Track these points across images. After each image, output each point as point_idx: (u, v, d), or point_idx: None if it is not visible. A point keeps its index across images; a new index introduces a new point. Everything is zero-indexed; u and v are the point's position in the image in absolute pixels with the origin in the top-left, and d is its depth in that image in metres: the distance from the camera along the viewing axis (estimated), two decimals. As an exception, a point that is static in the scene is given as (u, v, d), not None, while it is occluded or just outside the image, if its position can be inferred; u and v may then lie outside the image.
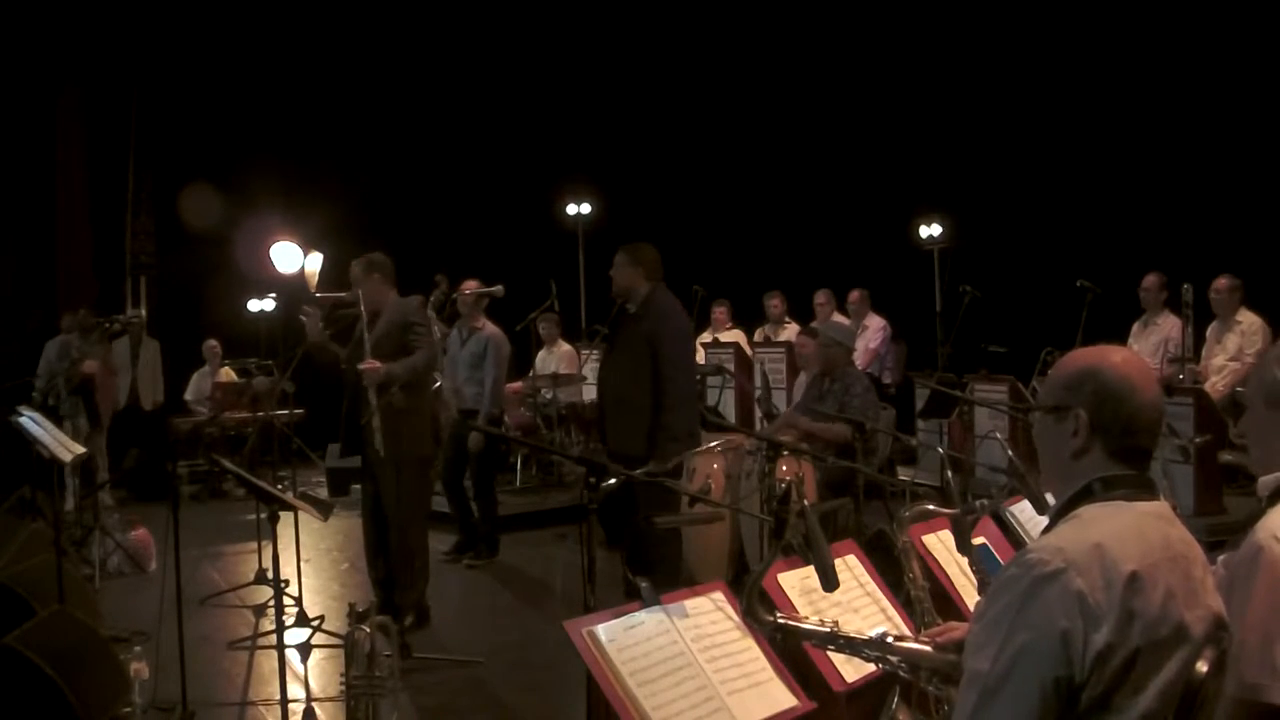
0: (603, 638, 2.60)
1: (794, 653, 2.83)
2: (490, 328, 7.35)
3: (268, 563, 5.82)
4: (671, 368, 5.08)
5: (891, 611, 3.09)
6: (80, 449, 5.82)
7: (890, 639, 2.32)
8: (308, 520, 5.97)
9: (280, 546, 4.31)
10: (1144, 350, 7.87)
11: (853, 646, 2.37)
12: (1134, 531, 1.76)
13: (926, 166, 11.81)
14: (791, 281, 10.59)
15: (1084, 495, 1.85)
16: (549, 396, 9.15)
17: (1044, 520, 2.04)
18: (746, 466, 5.94)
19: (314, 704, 4.56)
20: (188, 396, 10.85)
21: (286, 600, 5.45)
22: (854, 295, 10.04)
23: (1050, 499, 2.48)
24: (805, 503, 2.57)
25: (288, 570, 5.89)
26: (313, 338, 5.57)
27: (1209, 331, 7.79)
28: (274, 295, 11.66)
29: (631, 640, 2.64)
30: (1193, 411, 6.44)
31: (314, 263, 10.26)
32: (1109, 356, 1.90)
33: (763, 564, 2.68)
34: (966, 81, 11.45)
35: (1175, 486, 6.19)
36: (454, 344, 7.35)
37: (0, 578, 4.75)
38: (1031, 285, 10.27)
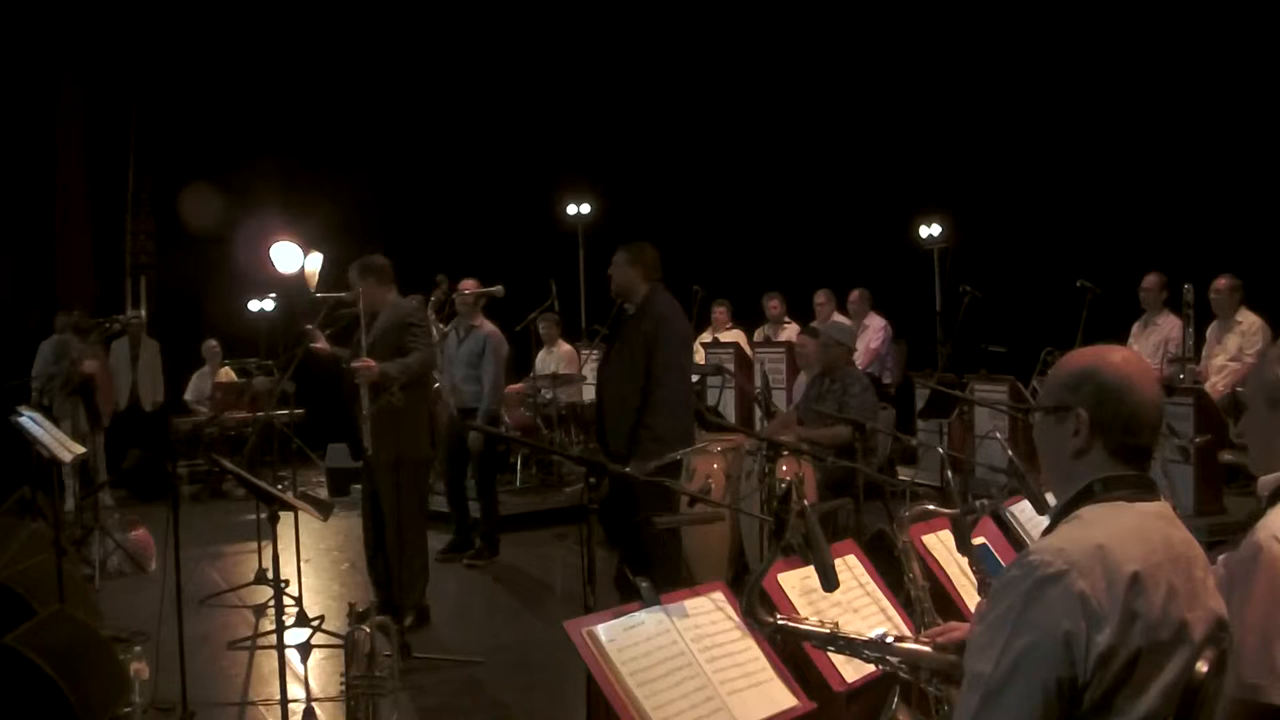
0: (603, 638, 2.60)
1: (794, 653, 2.83)
2: (488, 326, 7.35)
3: (268, 563, 5.82)
4: (664, 370, 5.07)
5: (891, 611, 3.09)
6: (80, 449, 5.81)
7: (890, 639, 2.32)
8: (308, 520, 5.97)
9: (280, 546, 4.31)
10: (1144, 350, 7.87)
11: (852, 647, 2.37)
12: (1135, 532, 1.76)
13: (926, 166, 11.81)
14: (791, 281, 10.59)
15: (1085, 496, 1.85)
16: (549, 396, 9.15)
17: (1044, 520, 2.04)
18: (746, 466, 5.94)
19: (314, 704, 4.56)
20: (188, 396, 10.85)
21: (286, 600, 5.45)
22: (854, 295, 10.04)
23: (1051, 499, 2.49)
24: (805, 503, 2.56)
25: (288, 570, 5.89)
26: (325, 354, 5.58)
27: (1209, 331, 7.79)
28: (274, 295, 11.66)
29: (631, 640, 2.64)
30: (1193, 411, 6.44)
31: (314, 263, 10.27)
32: (1109, 356, 1.90)
33: (763, 564, 2.68)
34: (966, 81, 11.45)
35: (1175, 486, 6.19)
36: (451, 343, 7.35)
37: (0, 578, 4.75)
38: (1031, 285, 10.27)
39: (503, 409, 8.79)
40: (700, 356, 9.73)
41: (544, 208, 13.41)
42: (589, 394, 8.58)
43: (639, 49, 12.85)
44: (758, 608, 2.46)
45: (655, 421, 5.01)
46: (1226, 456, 6.26)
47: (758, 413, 8.06)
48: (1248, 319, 7.57)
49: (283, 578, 4.99)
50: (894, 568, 2.87)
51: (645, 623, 2.71)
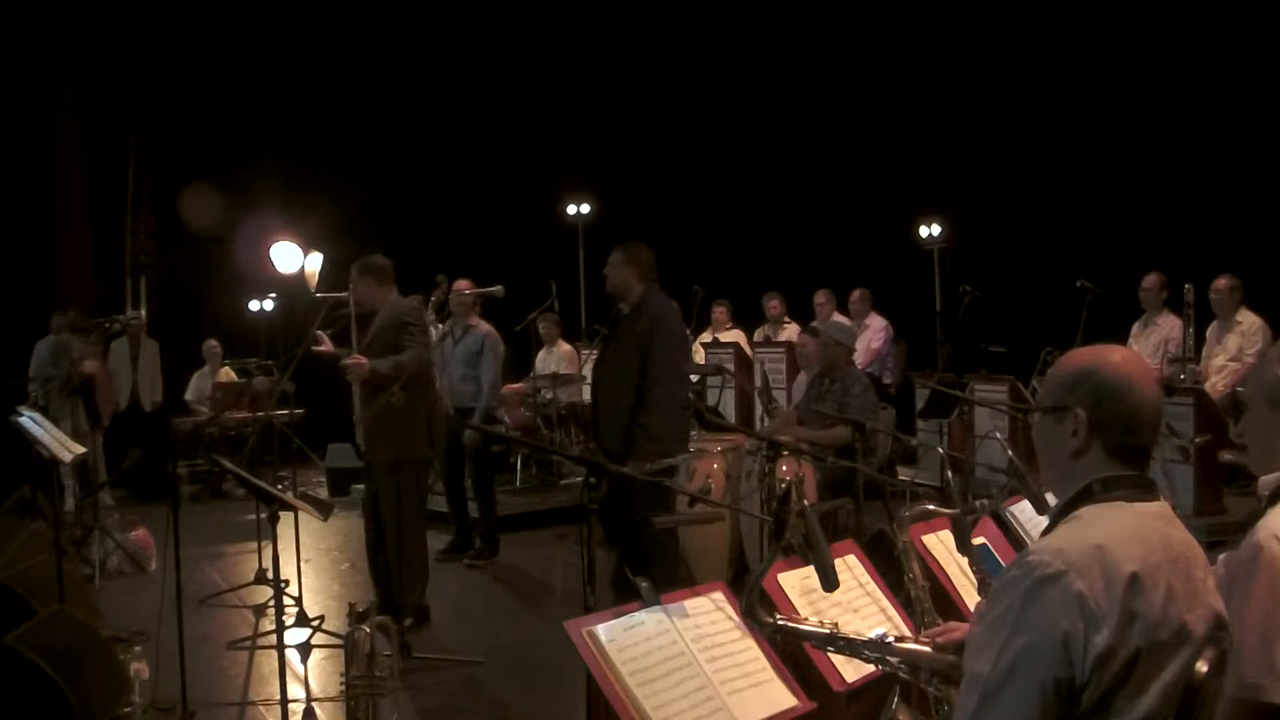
0: (603, 638, 2.60)
1: (794, 653, 2.83)
2: (485, 326, 7.35)
3: (268, 563, 5.82)
4: (658, 369, 5.08)
5: (891, 611, 3.09)
6: (80, 448, 5.81)
7: (890, 640, 2.32)
8: (308, 520, 5.97)
9: (280, 546, 4.31)
10: (1144, 350, 7.87)
11: (852, 648, 2.37)
12: (1134, 532, 1.76)
13: (926, 167, 11.81)
14: (791, 281, 10.59)
15: (1084, 496, 1.85)
16: (549, 396, 9.14)
17: (1044, 520, 2.04)
18: (746, 466, 5.94)
19: (314, 704, 4.55)
20: (188, 396, 10.85)
21: (286, 600, 5.45)
22: (855, 295, 10.03)
23: (1051, 499, 2.49)
24: (805, 503, 2.57)
25: (288, 570, 5.89)
26: (328, 355, 5.59)
27: (1209, 331, 7.79)
28: (274, 295, 11.67)
29: (631, 640, 2.65)
30: (1193, 411, 6.44)
31: (314, 263, 10.27)
32: (1107, 356, 1.89)
33: (763, 564, 2.68)
34: (966, 82, 11.45)
35: (1175, 486, 6.19)
36: (447, 343, 7.35)
37: (0, 578, 4.75)
38: (1031, 285, 10.27)
39: (502, 409, 8.79)
40: (700, 356, 9.74)
41: (544, 208, 13.42)
42: (589, 394, 8.57)
43: (639, 49, 12.86)
44: (758, 608, 2.46)
45: (650, 421, 5.02)
46: (1226, 456, 6.26)
47: (758, 411, 8.06)
48: (1248, 319, 7.57)
49: (283, 578, 4.99)
50: (894, 568, 2.87)
51: (645, 623, 2.71)
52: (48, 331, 9.28)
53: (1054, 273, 9.35)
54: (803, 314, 10.12)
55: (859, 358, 8.54)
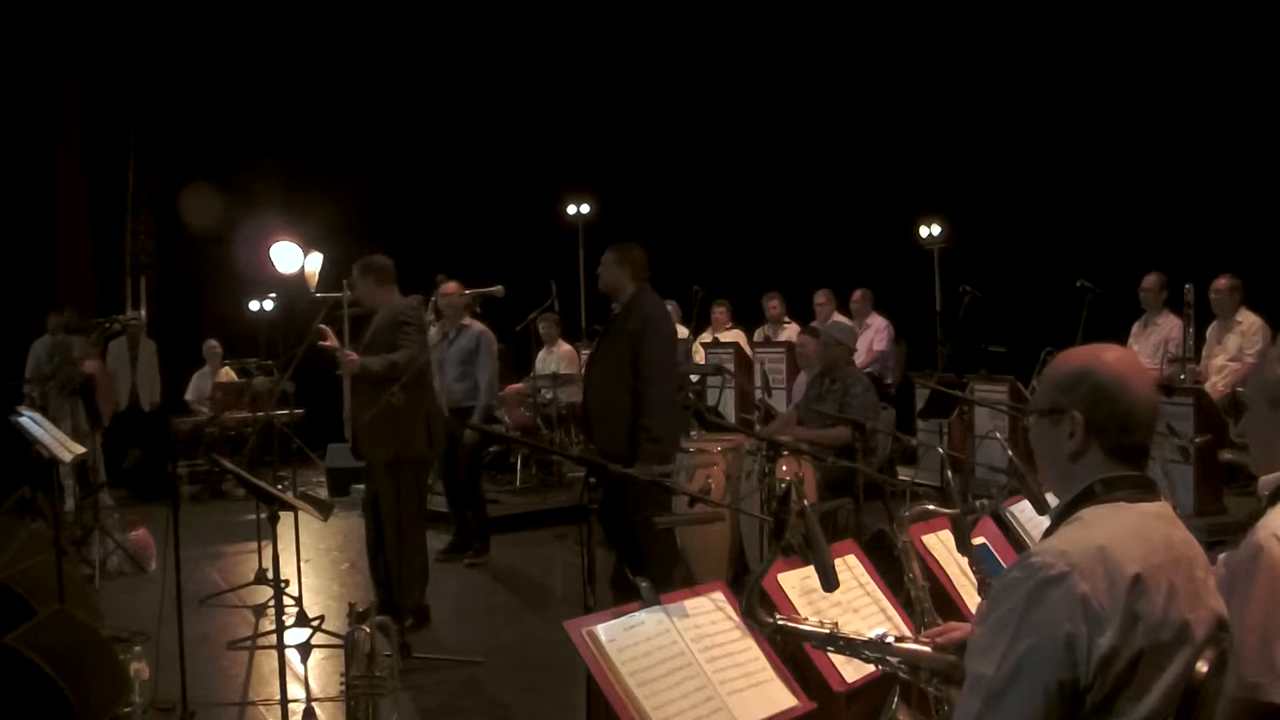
0: (603, 638, 2.60)
1: (794, 653, 2.83)
2: (478, 325, 7.35)
3: (268, 563, 5.82)
4: (652, 369, 5.10)
5: (891, 611, 3.09)
6: (80, 448, 5.81)
7: (890, 640, 2.31)
8: (308, 520, 5.97)
9: (280, 546, 4.30)
10: (1144, 350, 7.88)
11: (852, 648, 2.37)
12: (1136, 533, 1.76)
13: (926, 167, 11.81)
14: (791, 281, 10.59)
15: (1086, 497, 1.84)
16: (549, 396, 9.15)
17: (1044, 520, 2.04)
18: (746, 466, 5.94)
19: (314, 704, 4.55)
20: (188, 396, 10.85)
21: (286, 600, 5.45)
22: (857, 295, 10.03)
23: (1051, 499, 2.49)
24: (805, 503, 2.56)
25: (288, 570, 5.89)
26: (333, 349, 5.60)
27: (1209, 331, 7.79)
28: (274, 295, 11.67)
29: (631, 640, 2.64)
30: (1193, 411, 6.43)
31: (314, 263, 10.27)
32: (1101, 356, 1.89)
33: (763, 564, 2.67)
34: (966, 82, 11.45)
35: (1175, 486, 6.19)
36: (441, 344, 7.34)
37: (0, 578, 4.75)
38: (1031, 285, 10.27)
39: (501, 408, 8.80)
40: (700, 356, 9.74)
41: (544, 208, 13.42)
42: (587, 394, 8.57)
43: (639, 50, 12.86)
44: (757, 608, 2.46)
45: (651, 422, 5.03)
46: (1227, 455, 6.26)
47: (757, 413, 8.06)
48: (1248, 319, 7.57)
49: (283, 578, 4.99)
50: (894, 568, 2.87)
51: (645, 623, 2.71)
52: (42, 332, 9.28)
53: (1054, 273, 9.35)
54: (803, 314, 10.12)
55: (860, 358, 8.54)
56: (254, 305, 12.13)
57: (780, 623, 2.46)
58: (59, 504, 5.95)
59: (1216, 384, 7.42)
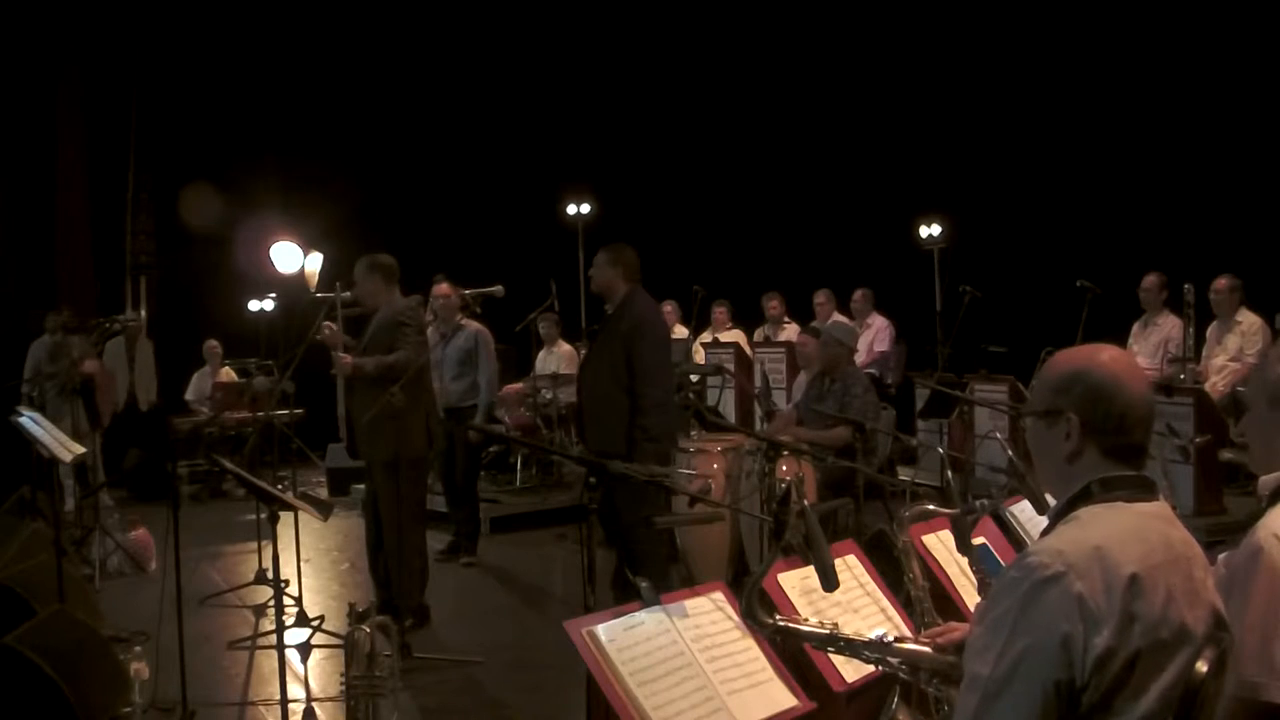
0: (603, 638, 2.60)
1: (794, 653, 2.83)
2: (474, 324, 7.35)
3: (268, 563, 5.82)
4: (647, 369, 5.13)
5: (891, 611, 3.09)
6: (80, 448, 5.81)
7: (890, 640, 2.31)
8: (308, 520, 5.97)
9: (280, 546, 4.30)
10: (1144, 350, 7.88)
11: (852, 648, 2.37)
12: (1134, 533, 1.76)
13: (926, 167, 11.81)
14: (791, 281, 10.59)
15: (1084, 496, 1.84)
16: (549, 396, 9.14)
17: (1044, 520, 2.04)
18: (746, 466, 5.94)
19: (314, 704, 4.55)
20: (188, 396, 10.85)
21: (286, 600, 5.45)
22: (858, 295, 10.04)
23: (1051, 499, 2.49)
24: (805, 503, 2.56)
25: (288, 570, 5.89)
26: (336, 344, 5.61)
27: (1209, 331, 7.79)
28: (274, 295, 11.67)
29: (631, 640, 2.64)
30: (1193, 411, 6.43)
31: (314, 263, 10.27)
32: (1096, 356, 1.88)
33: (763, 564, 2.67)
34: (966, 82, 11.45)
35: (1175, 486, 6.19)
36: (439, 345, 7.33)
37: (0, 578, 4.75)
38: (1031, 285, 10.27)
39: (501, 408, 8.79)
40: (700, 356, 9.74)
41: (544, 208, 13.41)
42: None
43: (638, 50, 12.86)
44: (757, 609, 2.45)
45: (648, 422, 5.06)
46: (1227, 455, 6.26)
47: (758, 412, 8.06)
48: (1248, 319, 7.57)
49: (283, 578, 4.99)
50: (894, 568, 2.87)
51: (645, 623, 2.71)
52: (41, 332, 9.29)
53: (1054, 273, 9.35)
54: (803, 314, 10.12)
55: (861, 357, 8.54)
56: (254, 305, 12.13)
57: (780, 623, 2.46)
58: (59, 504, 5.95)
59: (1216, 384, 7.42)
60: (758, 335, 10.35)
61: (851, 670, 2.80)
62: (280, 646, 4.24)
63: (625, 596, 3.78)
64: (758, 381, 8.29)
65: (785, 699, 2.74)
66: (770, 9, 12.67)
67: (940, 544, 3.32)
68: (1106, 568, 1.68)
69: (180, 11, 11.87)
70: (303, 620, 5.66)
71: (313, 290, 8.82)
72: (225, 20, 11.94)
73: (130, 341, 10.26)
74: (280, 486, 5.93)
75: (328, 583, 6.87)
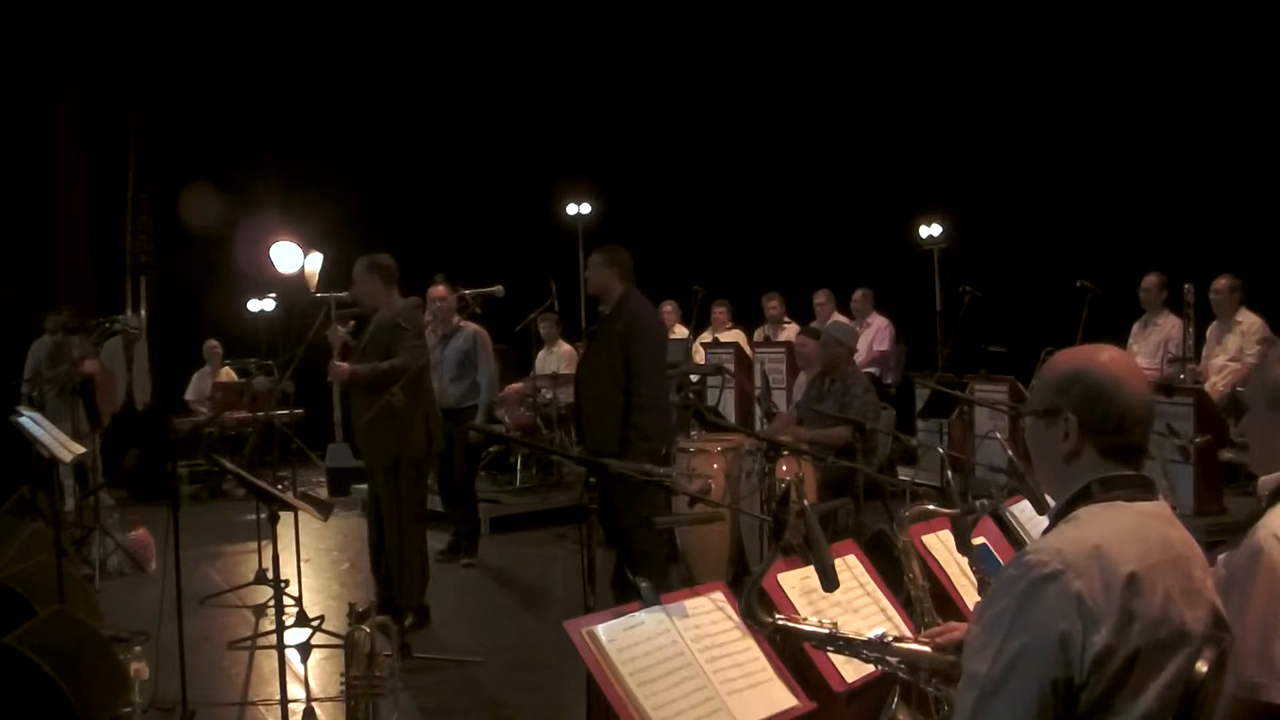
0: (603, 638, 2.60)
1: (794, 653, 2.83)
2: (472, 325, 7.35)
3: (268, 563, 5.82)
4: (642, 369, 5.15)
5: (891, 611, 3.09)
6: (80, 449, 5.81)
7: (890, 640, 2.31)
8: (308, 520, 5.97)
9: (280, 546, 4.30)
10: (1144, 350, 7.88)
11: (852, 647, 2.37)
12: (1133, 532, 1.76)
13: (926, 166, 11.81)
14: (791, 281, 10.59)
15: (1083, 496, 1.84)
16: (549, 396, 9.14)
17: (1044, 520, 2.04)
18: (746, 466, 5.95)
19: (314, 704, 4.55)
20: (188, 396, 10.85)
21: (286, 600, 5.45)
22: (858, 295, 10.03)
23: (1050, 499, 2.49)
24: (805, 503, 2.57)
25: (288, 570, 5.89)
26: (338, 342, 5.62)
27: (1209, 331, 7.79)
28: (274, 295, 11.68)
29: (631, 640, 2.64)
30: (1193, 411, 6.43)
31: (314, 263, 10.28)
32: (1094, 356, 1.89)
33: (763, 564, 2.68)
34: (966, 81, 11.45)
35: (1175, 486, 6.19)
36: (437, 346, 7.33)
37: (0, 578, 4.75)
38: (1031, 285, 10.27)
39: (501, 408, 8.79)
40: (700, 356, 9.73)
41: (544, 208, 13.41)
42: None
43: (638, 49, 12.86)
44: (757, 608, 2.46)
45: (642, 421, 5.07)
46: (1227, 455, 6.26)
47: (758, 412, 8.06)
48: (1248, 319, 7.57)
49: (283, 578, 4.99)
50: (894, 568, 2.87)
51: (645, 623, 2.71)
52: (40, 332, 9.29)
53: (1054, 273, 9.34)
54: (803, 314, 10.12)
55: (861, 357, 8.54)
56: (254, 305, 12.13)
57: (780, 623, 2.46)
58: (59, 504, 5.95)
59: (1216, 384, 7.42)
60: (758, 335, 10.35)
61: (851, 670, 2.81)
62: (280, 646, 4.24)
63: (625, 596, 3.78)
64: (758, 382, 8.29)
65: (785, 699, 2.74)
66: (770, 9, 12.67)
67: (940, 544, 3.32)
68: (1105, 566, 1.68)
69: (180, 12, 11.86)
70: (303, 620, 5.66)
71: (313, 290, 8.83)
72: (225, 21, 11.94)
73: (128, 342, 10.26)
74: (280, 486, 5.93)
75: (328, 583, 6.87)
